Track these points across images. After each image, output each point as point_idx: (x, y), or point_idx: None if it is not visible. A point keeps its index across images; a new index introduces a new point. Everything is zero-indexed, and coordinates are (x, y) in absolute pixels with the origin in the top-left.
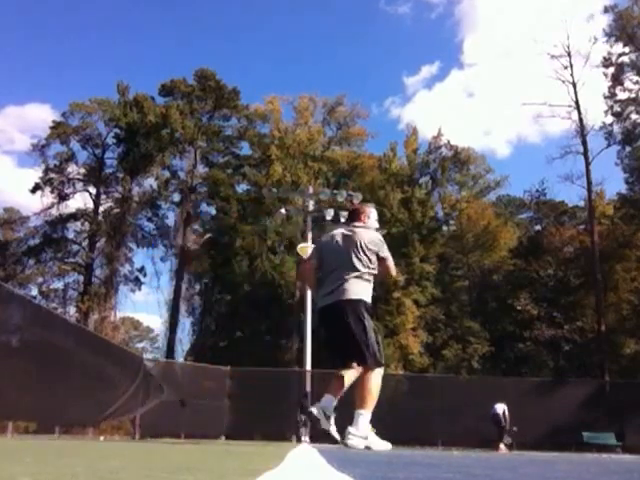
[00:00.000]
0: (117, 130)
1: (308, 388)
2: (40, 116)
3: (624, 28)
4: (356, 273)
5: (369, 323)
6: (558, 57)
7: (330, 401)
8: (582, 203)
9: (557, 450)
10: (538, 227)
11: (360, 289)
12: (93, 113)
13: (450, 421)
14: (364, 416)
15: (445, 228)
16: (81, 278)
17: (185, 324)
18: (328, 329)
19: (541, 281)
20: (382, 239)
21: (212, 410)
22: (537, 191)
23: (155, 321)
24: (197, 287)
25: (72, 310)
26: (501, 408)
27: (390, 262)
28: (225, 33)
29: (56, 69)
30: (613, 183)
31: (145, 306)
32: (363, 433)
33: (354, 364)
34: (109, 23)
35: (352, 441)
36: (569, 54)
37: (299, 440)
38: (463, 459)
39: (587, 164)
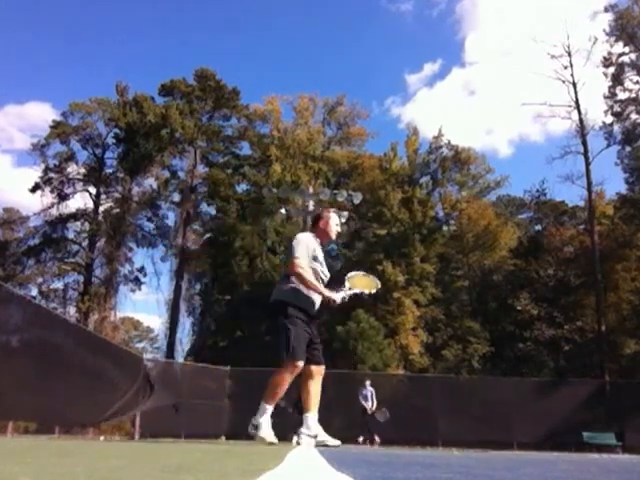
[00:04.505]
0: (117, 130)
1: None
2: (40, 115)
3: (624, 28)
4: (286, 275)
5: (288, 322)
6: (558, 57)
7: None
8: (582, 203)
9: (557, 450)
10: (538, 227)
11: (284, 290)
12: (93, 113)
13: (450, 421)
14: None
15: (445, 228)
16: (81, 278)
17: (185, 324)
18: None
19: (541, 281)
20: (298, 239)
21: (212, 410)
22: (537, 191)
23: (155, 321)
24: (197, 287)
25: (72, 310)
26: (369, 390)
27: (291, 260)
28: (225, 33)
29: (57, 68)
30: (613, 183)
31: (145, 306)
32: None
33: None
34: (109, 23)
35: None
36: (569, 54)
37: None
38: (463, 459)
39: (587, 164)
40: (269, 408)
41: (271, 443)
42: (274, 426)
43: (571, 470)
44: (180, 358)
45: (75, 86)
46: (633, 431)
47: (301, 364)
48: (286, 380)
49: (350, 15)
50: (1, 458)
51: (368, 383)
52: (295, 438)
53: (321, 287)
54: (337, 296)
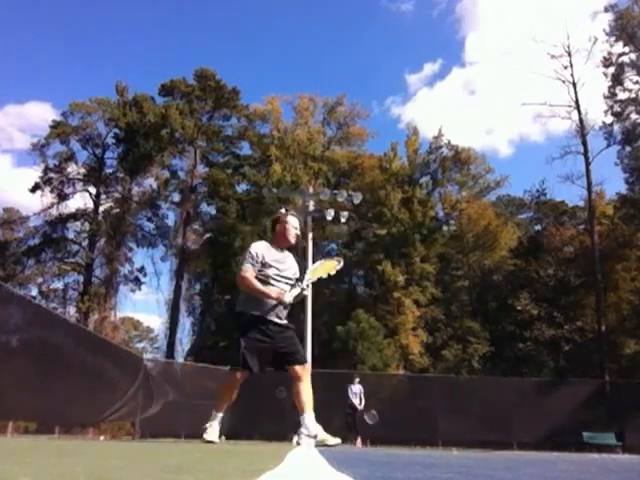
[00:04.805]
0: (117, 130)
1: None
2: (40, 115)
3: (624, 28)
4: None
5: (241, 336)
6: (558, 57)
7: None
8: (582, 203)
9: (557, 450)
10: (538, 227)
11: (240, 300)
12: (93, 113)
13: (450, 421)
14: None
15: (445, 228)
16: (81, 278)
17: (185, 324)
18: None
19: (541, 281)
20: (247, 250)
21: (212, 410)
22: (537, 191)
23: (155, 321)
24: (197, 287)
25: (72, 310)
26: (358, 388)
27: (237, 272)
28: (225, 33)
29: (57, 68)
30: (613, 183)
31: (145, 306)
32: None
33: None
34: (109, 23)
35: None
36: (569, 54)
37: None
38: (463, 459)
39: (587, 164)
40: (217, 415)
41: (208, 442)
42: (273, 427)
43: (571, 470)
44: (180, 358)
45: (75, 86)
46: (633, 431)
47: (239, 375)
48: (227, 388)
49: (350, 15)
50: (1, 458)
51: (357, 380)
52: (295, 438)
53: (268, 291)
54: (288, 296)
